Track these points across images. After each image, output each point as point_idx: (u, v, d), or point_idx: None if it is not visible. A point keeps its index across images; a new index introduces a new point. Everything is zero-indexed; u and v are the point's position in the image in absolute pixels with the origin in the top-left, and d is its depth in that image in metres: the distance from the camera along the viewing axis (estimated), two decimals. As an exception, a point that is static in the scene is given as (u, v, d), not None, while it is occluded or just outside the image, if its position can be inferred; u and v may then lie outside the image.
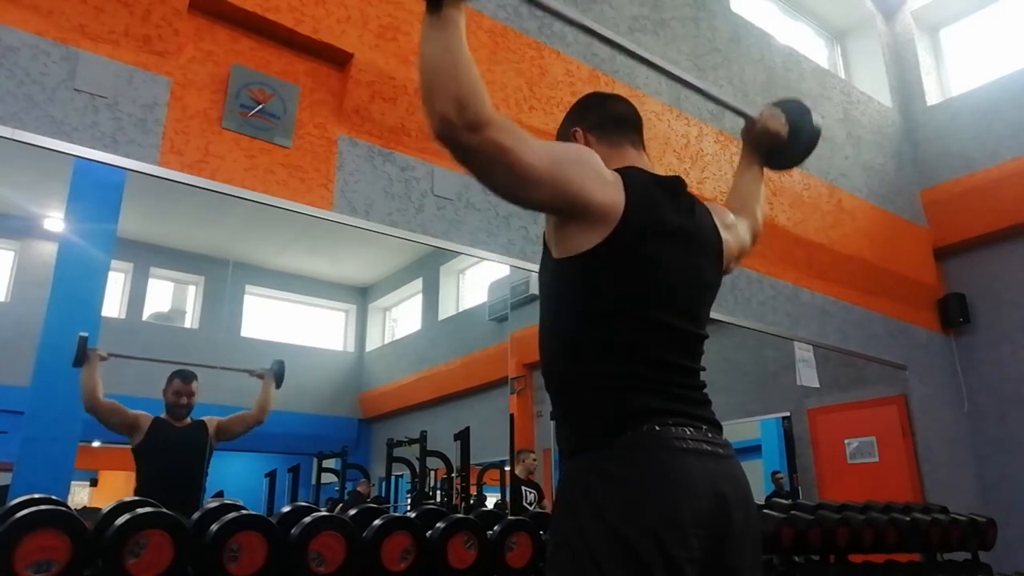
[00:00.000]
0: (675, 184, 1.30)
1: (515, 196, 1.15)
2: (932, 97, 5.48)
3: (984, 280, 4.95)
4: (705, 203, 1.38)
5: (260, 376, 2.57)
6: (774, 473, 4.13)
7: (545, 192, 1.12)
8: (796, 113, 1.71)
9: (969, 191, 4.99)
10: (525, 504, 2.92)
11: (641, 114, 1.43)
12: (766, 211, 1.63)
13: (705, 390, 1.24)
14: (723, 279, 1.38)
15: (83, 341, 2.19)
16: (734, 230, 1.46)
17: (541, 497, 3.11)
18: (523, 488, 2.97)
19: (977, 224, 4.95)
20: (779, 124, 1.68)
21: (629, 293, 1.17)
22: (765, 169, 1.74)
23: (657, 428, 1.10)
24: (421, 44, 1.07)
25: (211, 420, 2.45)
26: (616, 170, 1.22)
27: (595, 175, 1.16)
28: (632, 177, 1.21)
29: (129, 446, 2.30)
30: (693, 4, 4.04)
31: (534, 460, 3.11)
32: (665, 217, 1.22)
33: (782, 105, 1.74)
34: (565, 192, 1.12)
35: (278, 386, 2.58)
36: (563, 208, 1.16)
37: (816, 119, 1.71)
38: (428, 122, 1.05)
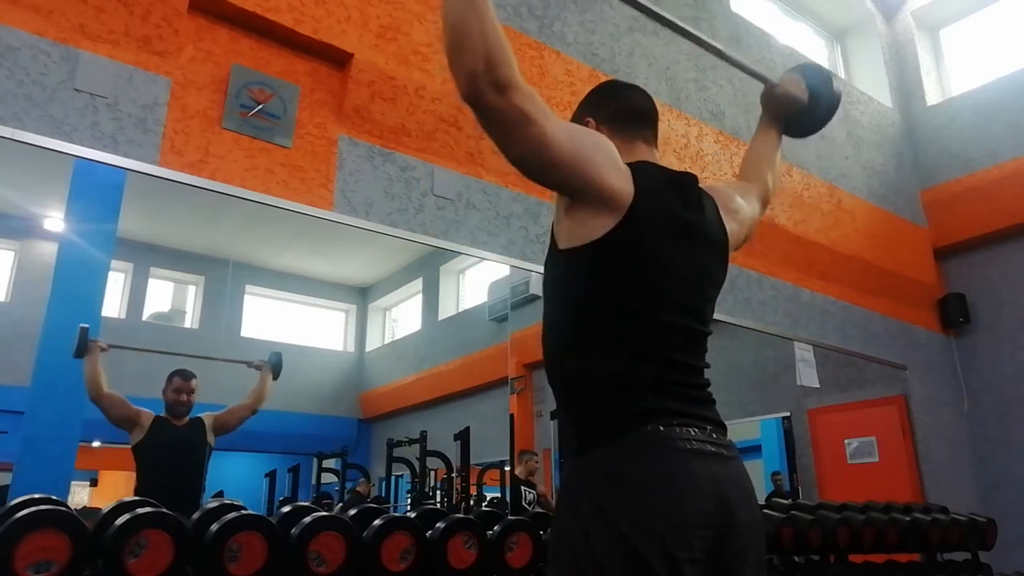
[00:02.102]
0: (687, 181, 1.29)
1: (533, 167, 1.13)
2: (932, 97, 5.48)
3: (984, 280, 4.96)
4: (711, 189, 1.37)
5: (258, 367, 2.59)
6: (774, 474, 4.13)
7: (562, 169, 1.11)
8: (816, 78, 1.68)
9: (969, 191, 4.98)
10: (524, 504, 2.92)
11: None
12: (777, 185, 1.61)
13: (709, 389, 1.23)
14: (727, 273, 1.35)
15: (84, 332, 2.21)
16: (739, 215, 1.42)
17: (539, 497, 3.11)
18: (523, 488, 2.97)
19: (977, 224, 4.95)
20: (799, 89, 1.66)
21: (634, 288, 1.16)
22: (783, 136, 1.71)
23: (662, 428, 1.09)
24: (444, 4, 1.05)
25: (207, 416, 2.45)
26: (628, 164, 1.21)
27: (611, 162, 1.15)
28: (643, 171, 1.20)
29: (129, 445, 2.30)
30: (693, 4, 4.04)
31: (536, 462, 3.10)
32: (673, 212, 1.21)
33: (802, 70, 1.72)
34: (582, 172, 1.12)
35: (275, 377, 2.59)
36: (576, 188, 1.14)
37: (837, 85, 1.68)
38: (455, 80, 1.03)
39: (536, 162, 1.11)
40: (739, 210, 1.43)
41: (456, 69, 1.03)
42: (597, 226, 1.14)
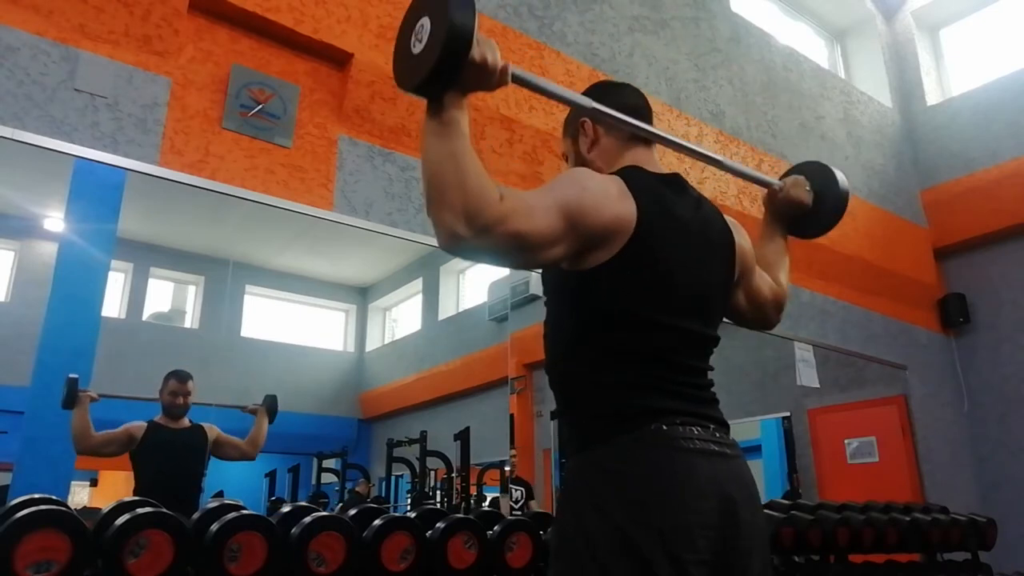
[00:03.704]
0: (677, 181, 1.28)
1: (538, 263, 1.12)
2: (932, 97, 5.48)
3: (984, 280, 4.96)
4: (725, 216, 1.36)
5: (253, 412, 2.52)
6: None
7: (568, 243, 1.08)
8: (821, 177, 1.63)
9: (969, 191, 4.99)
10: (511, 503, 2.92)
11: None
12: (787, 284, 1.58)
13: (713, 389, 1.23)
14: (733, 276, 1.35)
15: (73, 383, 2.07)
16: (753, 254, 1.43)
17: (529, 496, 3.10)
18: (511, 486, 2.97)
19: (977, 224, 4.95)
20: (803, 192, 1.61)
21: (638, 296, 1.15)
22: (789, 237, 1.67)
23: (665, 427, 1.09)
24: (423, 149, 1.03)
25: (211, 428, 2.43)
26: (616, 173, 1.20)
27: (603, 194, 1.12)
28: (636, 180, 1.18)
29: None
30: (693, 4, 4.04)
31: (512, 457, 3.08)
32: (675, 215, 1.20)
33: (806, 170, 1.67)
34: (585, 231, 1.08)
35: (271, 421, 2.53)
36: (587, 247, 1.11)
37: (842, 182, 1.63)
38: (434, 229, 1.01)
39: (540, 255, 1.07)
40: (748, 244, 1.42)
41: (433, 220, 1.00)
42: (605, 253, 1.12)
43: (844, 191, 1.63)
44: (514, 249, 1.03)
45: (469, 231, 0.97)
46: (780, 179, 1.68)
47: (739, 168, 1.63)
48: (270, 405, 2.54)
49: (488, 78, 1.06)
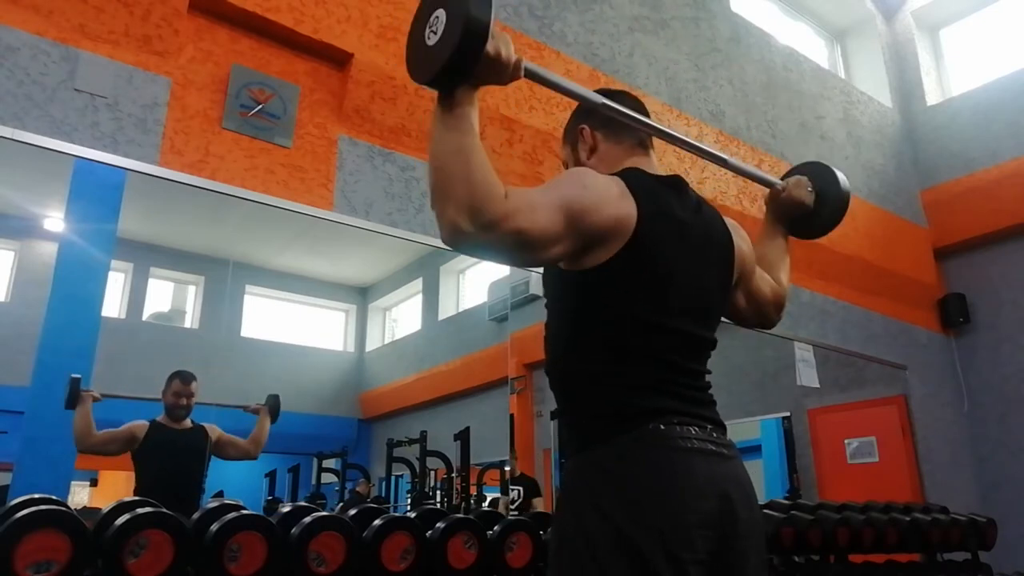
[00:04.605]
0: (677, 183, 1.28)
1: (539, 261, 1.12)
2: (932, 97, 5.48)
3: (984, 280, 4.96)
4: (726, 219, 1.36)
5: (255, 412, 2.53)
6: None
7: (568, 241, 1.08)
8: (822, 178, 1.63)
9: (969, 191, 4.99)
10: (509, 504, 2.93)
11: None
12: (788, 284, 1.58)
13: (710, 391, 1.23)
14: (732, 279, 1.35)
15: (75, 383, 2.08)
16: (752, 255, 1.43)
17: (534, 495, 3.10)
18: (510, 487, 2.97)
19: (977, 224, 4.95)
20: (804, 193, 1.62)
21: (638, 298, 1.15)
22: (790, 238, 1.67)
23: (663, 427, 1.09)
24: (431, 141, 1.03)
25: (212, 429, 2.43)
26: (617, 174, 1.20)
27: (605, 193, 1.12)
28: (636, 182, 1.18)
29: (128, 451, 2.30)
30: (693, 4, 4.04)
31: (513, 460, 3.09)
32: (675, 217, 1.20)
33: (807, 170, 1.67)
34: (585, 229, 1.09)
35: (273, 420, 2.53)
36: (587, 245, 1.11)
37: (843, 183, 1.63)
38: (437, 223, 1.01)
39: (542, 253, 1.07)
40: (748, 245, 1.42)
41: (437, 213, 1.01)
42: (604, 253, 1.12)
43: (845, 192, 1.64)
44: (516, 247, 1.03)
45: (472, 226, 0.97)
46: (782, 179, 1.68)
47: (742, 166, 1.63)
48: (273, 405, 2.55)
49: (502, 72, 1.06)
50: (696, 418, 1.14)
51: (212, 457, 2.42)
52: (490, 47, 1.01)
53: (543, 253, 1.07)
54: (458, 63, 0.99)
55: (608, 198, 1.12)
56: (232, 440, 2.48)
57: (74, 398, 2.09)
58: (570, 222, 1.06)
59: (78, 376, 2.12)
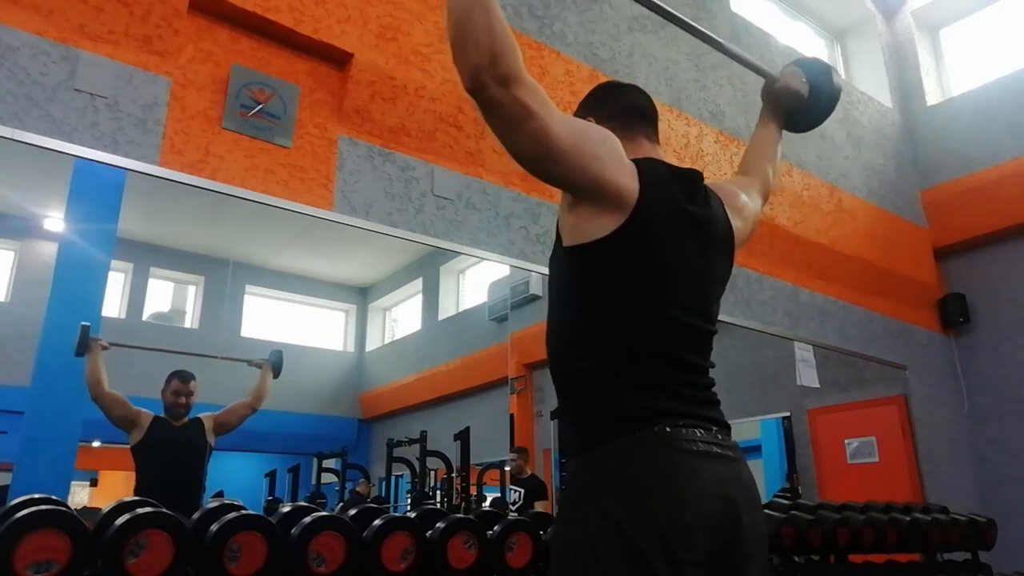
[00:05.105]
0: (692, 176, 1.28)
1: (535, 163, 1.12)
2: (932, 97, 5.48)
3: (984, 280, 4.95)
4: (716, 186, 1.36)
5: (258, 366, 2.60)
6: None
7: (565, 165, 1.10)
8: (817, 73, 1.69)
9: (969, 191, 4.98)
10: (509, 504, 2.93)
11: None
12: (778, 181, 1.62)
13: (714, 389, 1.23)
14: (731, 271, 1.35)
15: (85, 330, 2.20)
16: (744, 211, 1.42)
17: (538, 497, 3.11)
18: (508, 487, 2.97)
19: (977, 224, 4.95)
20: (799, 83, 1.67)
21: (640, 286, 1.15)
22: (783, 131, 1.71)
23: (668, 429, 1.09)
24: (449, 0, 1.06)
25: (207, 416, 2.45)
26: (633, 160, 1.20)
27: (616, 158, 1.14)
28: (648, 167, 1.19)
29: (128, 445, 2.30)
30: (693, 4, 4.04)
31: (524, 459, 3.09)
32: (679, 208, 1.20)
33: (803, 64, 1.72)
34: (585, 168, 1.11)
35: (276, 376, 2.60)
36: (581, 185, 1.13)
37: (837, 79, 1.69)
38: (459, 72, 1.04)
39: (539, 157, 1.10)
40: (744, 207, 1.42)
41: (460, 62, 1.04)
42: (602, 224, 1.13)
43: (838, 86, 1.70)
44: (523, 125, 1.06)
45: (491, 72, 1.01)
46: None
47: (738, 52, 1.70)
48: (275, 361, 2.65)
49: None
50: (702, 420, 1.14)
51: (212, 455, 2.43)
52: None
53: (547, 155, 1.09)
54: None
55: (618, 165, 1.14)
56: (230, 409, 2.54)
57: (84, 345, 2.20)
58: (577, 149, 1.10)
59: (87, 324, 2.22)
